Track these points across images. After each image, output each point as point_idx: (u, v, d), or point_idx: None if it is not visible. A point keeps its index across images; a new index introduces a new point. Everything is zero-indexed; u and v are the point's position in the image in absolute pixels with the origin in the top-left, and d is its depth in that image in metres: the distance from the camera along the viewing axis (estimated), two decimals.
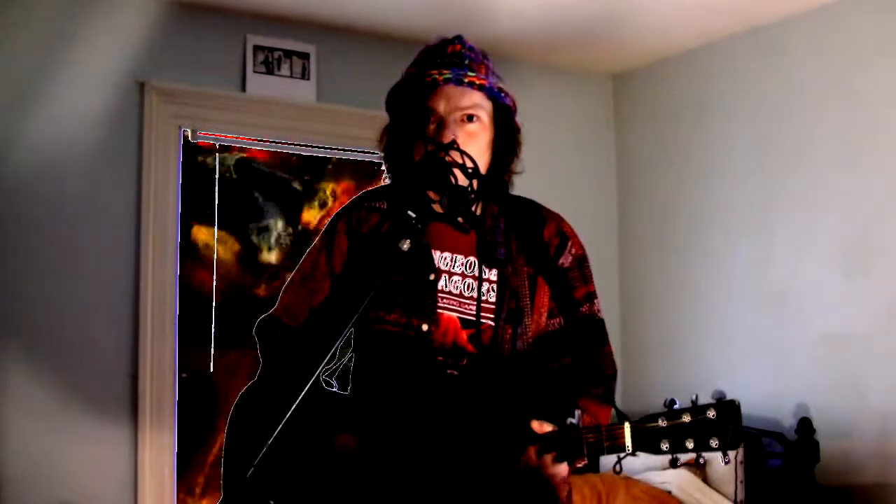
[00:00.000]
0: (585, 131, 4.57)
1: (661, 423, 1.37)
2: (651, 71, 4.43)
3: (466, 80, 1.64)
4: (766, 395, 3.71)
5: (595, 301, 1.74)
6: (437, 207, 1.58)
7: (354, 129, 3.82)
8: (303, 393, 1.39)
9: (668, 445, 1.37)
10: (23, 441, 3.16)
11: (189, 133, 3.64)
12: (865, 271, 3.42)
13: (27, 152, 3.25)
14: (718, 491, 3.46)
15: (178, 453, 3.48)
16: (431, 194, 1.60)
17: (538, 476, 1.49)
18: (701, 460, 1.41)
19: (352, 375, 1.76)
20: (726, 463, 1.40)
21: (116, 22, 3.43)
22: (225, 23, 3.63)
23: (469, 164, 1.60)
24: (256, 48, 3.69)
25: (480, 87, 1.66)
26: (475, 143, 1.66)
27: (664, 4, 3.64)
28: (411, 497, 1.54)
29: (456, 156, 1.59)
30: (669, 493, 3.44)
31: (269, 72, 3.71)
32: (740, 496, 3.45)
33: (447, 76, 1.63)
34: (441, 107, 1.64)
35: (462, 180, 1.60)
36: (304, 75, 3.78)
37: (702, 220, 4.12)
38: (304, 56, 3.78)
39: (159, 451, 3.41)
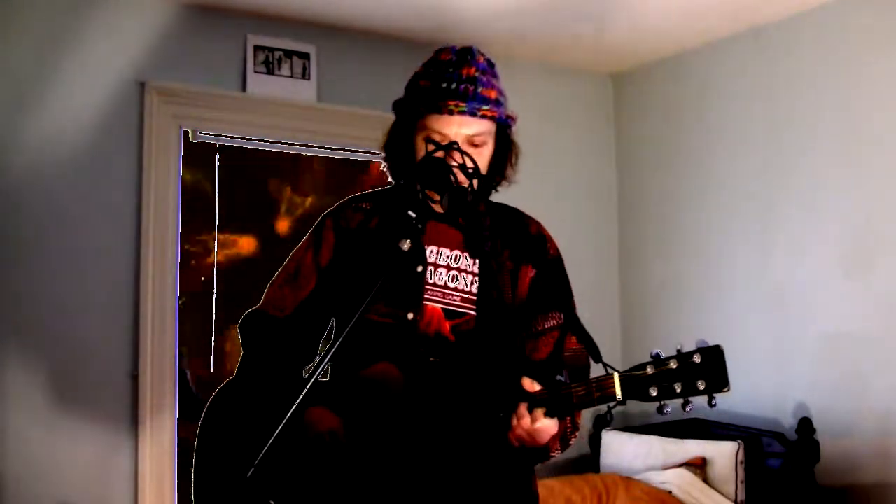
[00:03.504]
0: (585, 131, 4.57)
1: (649, 370, 1.42)
2: (651, 71, 4.43)
3: (480, 114, 1.67)
4: (766, 394, 3.71)
5: (571, 300, 1.79)
6: (437, 207, 1.62)
7: (354, 129, 3.82)
8: (299, 399, 1.40)
9: (657, 391, 1.41)
10: (23, 441, 3.16)
11: (189, 133, 3.64)
12: (865, 271, 3.42)
13: (27, 152, 3.25)
14: (719, 491, 3.46)
15: (178, 453, 3.48)
16: (432, 194, 1.62)
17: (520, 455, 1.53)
18: (689, 407, 1.42)
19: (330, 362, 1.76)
20: (713, 405, 1.42)
21: (117, 22, 3.43)
22: (225, 23, 3.63)
23: (469, 164, 1.63)
24: (257, 48, 3.69)
25: (492, 118, 1.69)
26: (478, 161, 1.69)
27: (664, 4, 3.64)
28: (397, 482, 1.55)
29: (457, 156, 1.63)
30: (670, 493, 3.44)
31: (270, 72, 3.71)
32: (740, 496, 3.45)
33: (462, 108, 1.65)
34: (452, 132, 1.67)
35: (462, 180, 1.63)
36: (305, 75, 3.78)
37: (702, 219, 4.12)
38: (305, 56, 3.78)
39: (160, 451, 3.41)
